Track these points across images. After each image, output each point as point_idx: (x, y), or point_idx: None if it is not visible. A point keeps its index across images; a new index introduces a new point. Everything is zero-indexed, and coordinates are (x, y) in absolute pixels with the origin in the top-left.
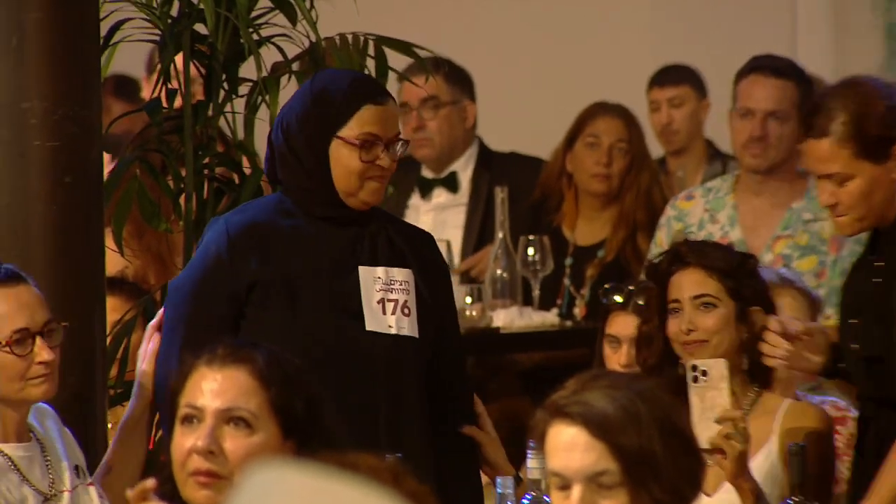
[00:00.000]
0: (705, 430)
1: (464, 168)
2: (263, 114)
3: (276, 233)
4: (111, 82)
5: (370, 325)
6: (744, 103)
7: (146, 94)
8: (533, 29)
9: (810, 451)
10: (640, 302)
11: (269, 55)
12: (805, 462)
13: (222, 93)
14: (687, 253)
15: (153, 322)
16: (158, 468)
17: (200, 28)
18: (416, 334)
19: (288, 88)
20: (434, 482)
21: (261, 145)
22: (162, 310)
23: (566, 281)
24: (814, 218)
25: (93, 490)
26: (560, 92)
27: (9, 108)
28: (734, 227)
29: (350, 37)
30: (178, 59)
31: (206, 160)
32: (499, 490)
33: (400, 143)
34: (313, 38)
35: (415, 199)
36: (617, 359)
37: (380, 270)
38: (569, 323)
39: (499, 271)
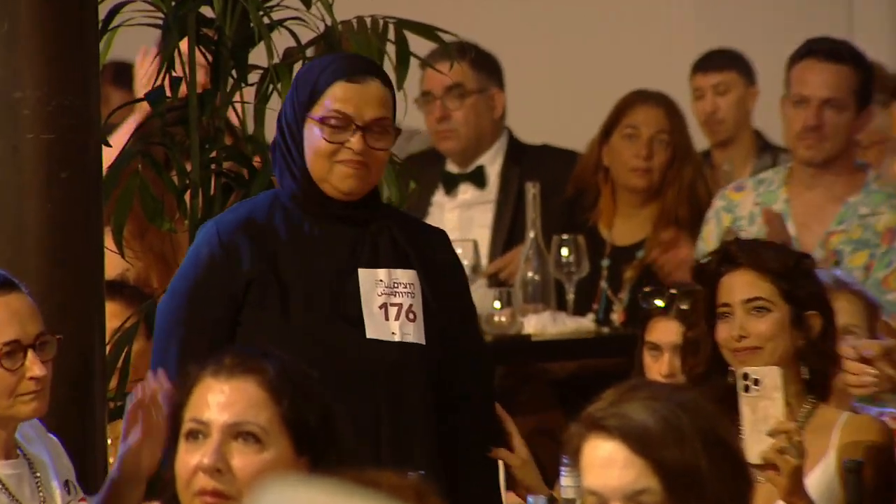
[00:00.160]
0: (757, 444)
1: (492, 162)
2: (275, 104)
3: (270, 232)
4: (110, 70)
5: (371, 333)
6: (797, 90)
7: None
8: (567, 10)
9: (870, 466)
10: (683, 306)
11: (281, 40)
12: (862, 479)
13: (230, 81)
14: (737, 253)
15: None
16: (162, 487)
17: (207, 11)
18: (422, 341)
19: None
20: None
21: (272, 137)
22: (139, 388)
23: (603, 284)
24: (871, 212)
25: None
26: (596, 79)
27: (0, 97)
28: (787, 222)
29: (369, 20)
30: (183, 44)
31: (213, 154)
32: None
33: (381, 130)
34: (329, 22)
35: (439, 196)
36: (658, 368)
37: (382, 273)
38: (606, 329)
39: (530, 273)
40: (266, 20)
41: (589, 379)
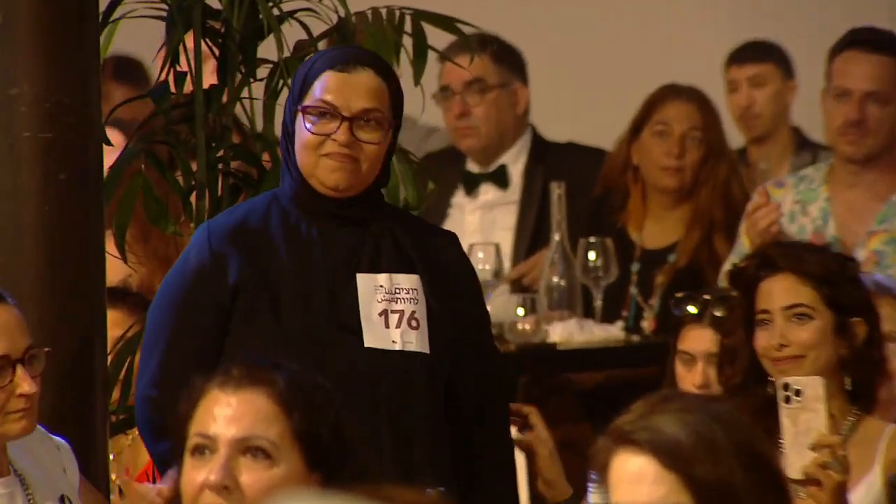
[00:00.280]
0: (798, 458)
1: (514, 160)
2: (285, 99)
3: (264, 236)
4: (111, 64)
5: (370, 342)
6: (839, 83)
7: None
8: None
9: None
10: (718, 313)
11: (292, 33)
12: None
13: (238, 76)
14: (777, 256)
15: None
16: None
17: (213, 2)
18: (425, 350)
19: None
20: None
21: None
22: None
23: (633, 289)
24: None
25: None
26: (625, 72)
27: None
28: (827, 221)
29: (384, 10)
30: (189, 37)
31: (221, 153)
32: None
33: (370, 121)
34: (342, 13)
35: (459, 197)
36: (691, 378)
37: (382, 278)
38: (636, 337)
39: (555, 279)
40: (276, 11)
41: (618, 390)
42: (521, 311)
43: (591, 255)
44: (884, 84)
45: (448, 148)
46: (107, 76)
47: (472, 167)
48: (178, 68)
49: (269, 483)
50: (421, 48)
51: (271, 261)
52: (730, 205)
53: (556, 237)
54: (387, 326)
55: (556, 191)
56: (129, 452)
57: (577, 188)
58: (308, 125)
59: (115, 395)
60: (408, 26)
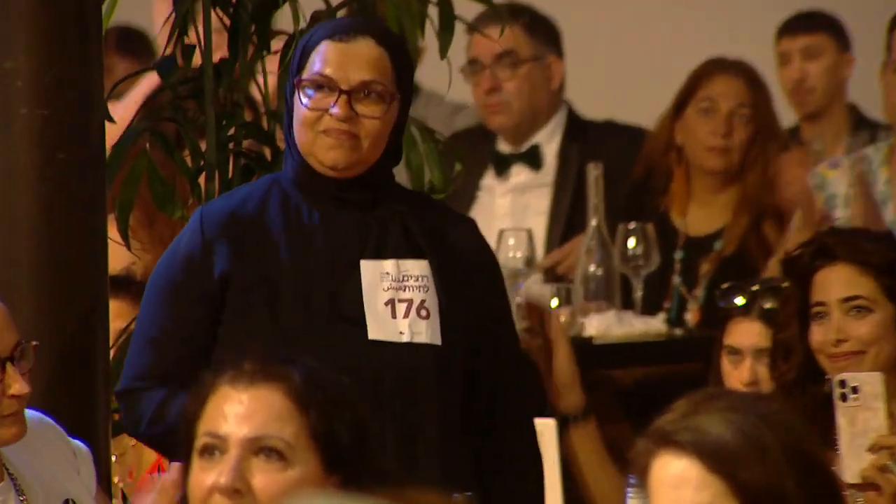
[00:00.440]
0: (855, 461)
1: (548, 140)
2: None
3: (261, 223)
4: (114, 36)
5: (374, 334)
6: None
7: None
8: None
9: None
10: (767, 305)
11: (309, 2)
12: None
13: (251, 48)
14: (834, 245)
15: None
16: None
17: None
18: (437, 341)
19: None
20: None
21: None
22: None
23: (675, 279)
24: None
25: None
26: (667, 45)
27: None
28: (887, 204)
29: None
30: (198, 7)
31: (232, 131)
32: None
33: (371, 94)
34: None
35: (489, 179)
36: (738, 375)
37: (388, 264)
38: (678, 331)
39: (592, 267)
40: None
41: (659, 388)
42: (554, 303)
43: (631, 242)
44: None
45: (477, 126)
46: (109, 48)
47: (503, 147)
48: (187, 40)
49: (283, 486)
50: (447, 19)
51: (269, 249)
52: (780, 188)
53: (593, 222)
54: (393, 317)
55: (594, 172)
56: (132, 453)
57: (615, 170)
58: (304, 100)
59: None
60: None
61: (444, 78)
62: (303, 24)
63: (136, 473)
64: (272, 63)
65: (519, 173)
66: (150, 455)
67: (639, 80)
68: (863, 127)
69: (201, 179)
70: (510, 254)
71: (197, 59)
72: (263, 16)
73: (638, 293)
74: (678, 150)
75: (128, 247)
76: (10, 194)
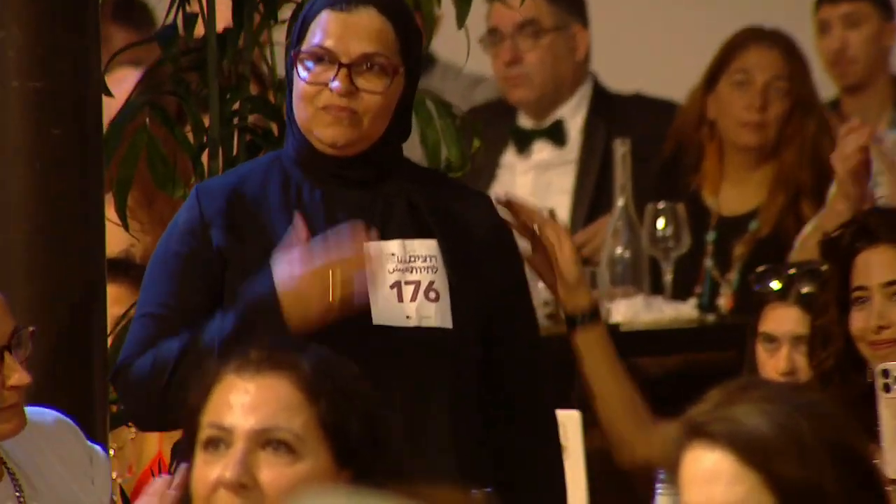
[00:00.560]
0: None
1: (572, 114)
2: None
3: (261, 200)
4: (111, 4)
5: (379, 318)
6: None
7: None
8: None
9: None
10: (805, 290)
11: None
12: None
13: (257, 17)
14: (876, 226)
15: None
16: None
17: None
18: (447, 324)
19: None
20: None
21: None
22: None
23: (707, 262)
24: None
25: None
26: (699, 14)
27: None
28: None
29: None
30: None
31: (236, 105)
32: None
33: (373, 68)
34: None
35: (509, 156)
36: (774, 363)
37: (394, 245)
38: (711, 317)
39: (619, 250)
40: None
41: (690, 377)
42: None
43: (660, 223)
44: None
45: (497, 100)
46: (106, 17)
47: (525, 122)
48: (188, 8)
49: (292, 480)
50: None
51: (267, 231)
52: (819, 165)
53: (620, 202)
54: (400, 300)
55: (621, 149)
56: (132, 447)
57: (644, 146)
58: (303, 73)
59: None
60: None
61: (461, 49)
62: None
63: (135, 468)
64: (279, 33)
65: (541, 150)
66: (151, 448)
67: (669, 51)
68: None
69: (204, 156)
70: None
71: (199, 29)
72: None
73: (667, 277)
74: (710, 126)
75: (126, 228)
76: (1, 173)
